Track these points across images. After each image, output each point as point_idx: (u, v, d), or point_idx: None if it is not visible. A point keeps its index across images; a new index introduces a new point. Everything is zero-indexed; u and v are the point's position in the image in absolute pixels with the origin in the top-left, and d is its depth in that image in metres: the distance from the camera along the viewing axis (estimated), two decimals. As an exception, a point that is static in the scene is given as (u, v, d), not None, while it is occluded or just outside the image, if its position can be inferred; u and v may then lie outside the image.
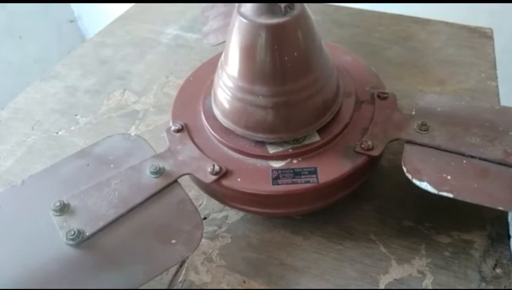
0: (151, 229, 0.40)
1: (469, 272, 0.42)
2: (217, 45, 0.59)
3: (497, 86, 0.62)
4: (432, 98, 0.49)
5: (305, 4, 0.43)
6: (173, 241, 0.39)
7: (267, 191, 0.42)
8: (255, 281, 0.43)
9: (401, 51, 0.70)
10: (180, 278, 0.43)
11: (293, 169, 0.43)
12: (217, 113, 0.47)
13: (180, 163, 0.44)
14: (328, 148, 0.45)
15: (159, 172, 0.43)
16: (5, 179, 0.55)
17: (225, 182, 0.43)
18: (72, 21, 1.51)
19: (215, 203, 0.49)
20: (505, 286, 0.40)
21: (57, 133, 0.61)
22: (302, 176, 0.43)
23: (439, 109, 0.47)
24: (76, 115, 0.64)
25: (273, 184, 0.42)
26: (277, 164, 0.44)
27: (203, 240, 0.46)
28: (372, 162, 0.45)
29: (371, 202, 0.49)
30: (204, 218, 0.48)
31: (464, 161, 0.42)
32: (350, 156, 0.44)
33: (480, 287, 0.41)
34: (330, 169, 0.43)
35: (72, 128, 0.62)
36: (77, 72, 0.72)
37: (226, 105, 0.46)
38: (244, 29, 0.41)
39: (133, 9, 0.88)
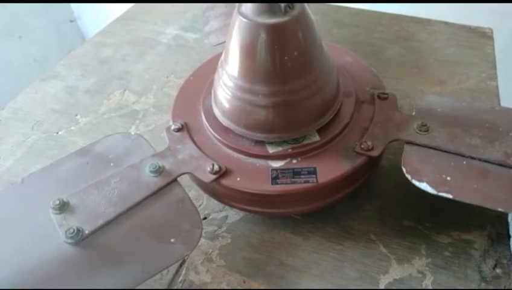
0: (150, 227, 0.40)
1: (469, 272, 0.42)
2: (218, 44, 0.59)
3: (497, 86, 0.62)
4: (432, 98, 0.49)
5: (305, 4, 0.43)
6: (172, 240, 0.38)
7: (266, 191, 0.42)
8: (255, 281, 0.43)
9: (401, 51, 0.70)
10: (180, 278, 0.43)
11: (293, 169, 0.43)
12: (216, 112, 0.47)
13: (180, 162, 0.44)
14: (327, 148, 0.45)
15: (158, 171, 0.43)
16: (5, 179, 0.54)
17: (224, 182, 0.43)
18: (72, 21, 1.51)
19: (215, 203, 0.49)
20: (504, 286, 0.40)
21: (57, 133, 0.61)
22: (302, 176, 0.42)
23: (439, 110, 0.47)
24: (76, 115, 0.64)
25: (272, 184, 0.42)
26: (276, 164, 0.44)
27: (203, 240, 0.46)
28: (372, 163, 0.45)
29: (371, 202, 0.49)
30: (204, 218, 0.48)
31: (464, 162, 0.42)
32: (350, 156, 0.44)
33: (480, 287, 0.41)
34: (329, 169, 0.43)
35: (72, 128, 0.62)
36: (77, 72, 0.72)
37: (226, 104, 0.45)
38: (244, 29, 0.41)
39: (133, 9, 0.88)
